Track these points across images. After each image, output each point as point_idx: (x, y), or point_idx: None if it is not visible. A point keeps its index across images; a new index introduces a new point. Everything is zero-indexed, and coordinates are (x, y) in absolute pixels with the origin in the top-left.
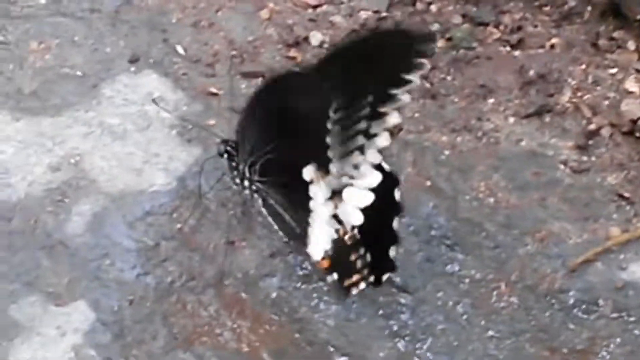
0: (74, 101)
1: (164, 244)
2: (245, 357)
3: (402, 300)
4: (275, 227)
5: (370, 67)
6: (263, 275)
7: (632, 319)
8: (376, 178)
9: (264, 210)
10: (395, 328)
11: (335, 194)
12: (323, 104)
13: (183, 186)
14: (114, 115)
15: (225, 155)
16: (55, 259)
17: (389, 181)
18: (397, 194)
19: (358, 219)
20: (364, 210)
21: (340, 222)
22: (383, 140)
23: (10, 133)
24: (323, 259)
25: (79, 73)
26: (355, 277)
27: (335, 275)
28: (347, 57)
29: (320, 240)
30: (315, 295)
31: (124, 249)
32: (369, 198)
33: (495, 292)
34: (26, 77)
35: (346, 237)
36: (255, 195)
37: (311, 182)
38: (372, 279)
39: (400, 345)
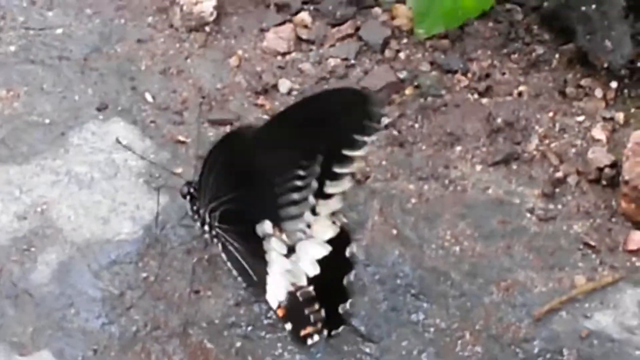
0: (41, 149)
1: (129, 293)
2: None
3: (367, 350)
4: (235, 272)
5: (322, 126)
6: (228, 325)
7: None
8: (330, 232)
9: (223, 256)
10: None
11: (290, 249)
12: (276, 162)
13: (149, 235)
14: (81, 164)
15: (188, 198)
16: (20, 308)
17: (343, 237)
18: (347, 251)
19: (314, 270)
20: (320, 264)
21: (295, 275)
22: (336, 202)
23: None
24: (279, 307)
25: (47, 121)
26: (309, 329)
27: (289, 325)
28: (299, 116)
29: (276, 291)
30: (279, 344)
31: (89, 298)
32: (325, 250)
33: (460, 341)
34: None
35: (299, 292)
36: (215, 240)
37: (264, 237)
38: (324, 332)
39: None
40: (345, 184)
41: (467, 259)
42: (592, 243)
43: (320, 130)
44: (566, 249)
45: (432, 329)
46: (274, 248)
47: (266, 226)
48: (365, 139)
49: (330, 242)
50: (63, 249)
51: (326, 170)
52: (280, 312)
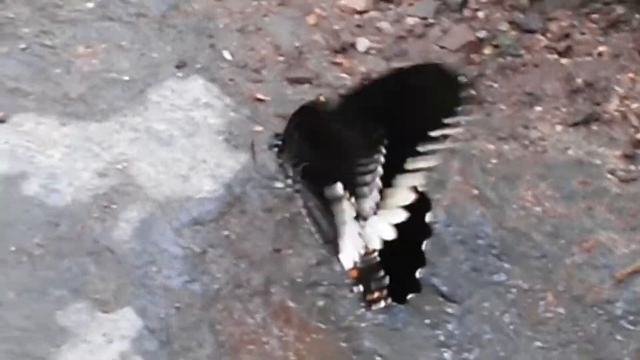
0: (121, 106)
1: (210, 251)
2: None
3: (449, 310)
4: (313, 229)
5: (412, 103)
6: (310, 284)
7: None
8: (408, 199)
9: (303, 211)
10: (441, 338)
11: (360, 215)
12: (352, 134)
13: (230, 193)
14: (160, 121)
15: (275, 149)
16: (102, 265)
17: (422, 203)
18: (428, 217)
19: (390, 235)
20: (398, 229)
21: (368, 239)
22: (416, 178)
23: (57, 138)
24: (352, 269)
25: (125, 78)
26: (376, 295)
27: (360, 287)
28: (390, 89)
29: (350, 252)
30: (362, 303)
31: (170, 255)
32: (401, 216)
33: (542, 303)
34: (73, 81)
35: (367, 257)
36: (297, 195)
37: (338, 198)
38: (390, 300)
39: (447, 355)
40: (428, 162)
41: (548, 219)
42: None
43: (402, 106)
44: None
45: (514, 290)
46: (345, 210)
47: (337, 188)
48: (451, 122)
49: (409, 207)
50: (144, 206)
51: (408, 147)
52: (352, 273)
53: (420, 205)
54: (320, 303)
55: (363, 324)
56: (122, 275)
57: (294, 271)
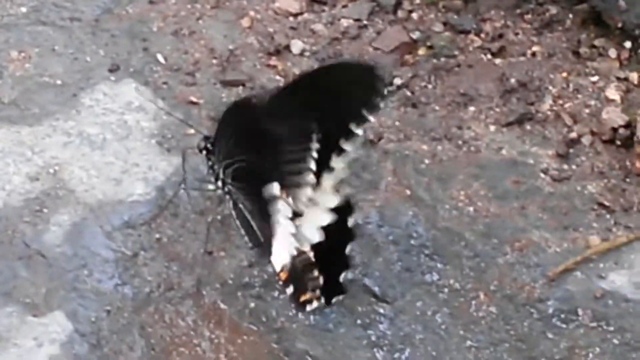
0: (53, 110)
1: (142, 254)
2: None
3: (381, 310)
4: (242, 231)
5: (327, 100)
6: (241, 285)
7: (611, 328)
8: (333, 201)
9: (233, 213)
10: (373, 338)
11: (296, 214)
12: (282, 131)
13: (162, 196)
14: (93, 125)
15: (204, 152)
16: (33, 269)
17: (348, 207)
18: (350, 221)
19: (316, 237)
20: (324, 231)
21: (299, 240)
22: (340, 173)
23: None
24: (281, 271)
25: (58, 82)
26: (308, 295)
27: (290, 289)
28: (306, 87)
29: (280, 254)
30: (293, 305)
31: (102, 259)
32: (328, 218)
33: (474, 302)
34: (6, 86)
35: (301, 258)
36: (227, 197)
37: (273, 198)
38: (322, 300)
39: (379, 355)
40: (349, 157)
41: (481, 219)
42: (607, 203)
43: (326, 103)
44: (580, 209)
45: (446, 290)
46: (280, 210)
47: (274, 188)
48: (369, 114)
49: (335, 211)
50: (75, 210)
51: (333, 144)
52: (282, 276)
53: (344, 209)
54: (252, 305)
55: (295, 325)
56: (53, 279)
57: (225, 273)
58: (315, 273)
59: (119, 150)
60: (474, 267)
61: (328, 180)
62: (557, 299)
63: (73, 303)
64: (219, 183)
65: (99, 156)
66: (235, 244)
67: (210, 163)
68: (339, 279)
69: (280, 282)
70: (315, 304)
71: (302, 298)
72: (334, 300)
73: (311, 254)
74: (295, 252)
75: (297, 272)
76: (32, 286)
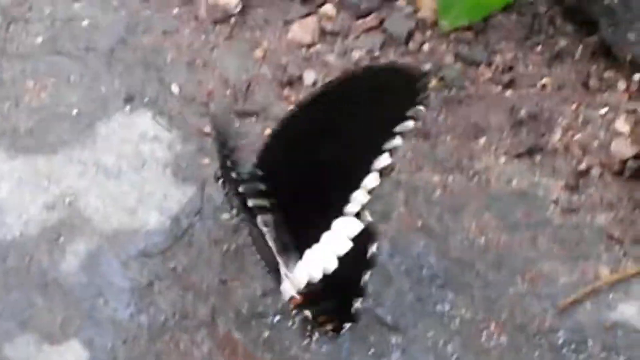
0: (69, 140)
1: (157, 283)
2: None
3: (393, 340)
4: (258, 256)
5: (363, 105)
6: (256, 314)
7: (620, 358)
8: (354, 228)
9: (250, 239)
10: None
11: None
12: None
13: (177, 225)
14: (109, 154)
15: (221, 181)
16: (49, 297)
17: (367, 235)
18: (370, 250)
19: (332, 265)
20: (340, 259)
21: (310, 269)
22: (372, 180)
23: (5, 171)
24: (292, 298)
25: (74, 112)
26: (322, 318)
27: (299, 316)
28: (340, 96)
29: (294, 280)
30: (308, 328)
31: (118, 288)
32: (346, 246)
33: (485, 332)
34: (22, 115)
35: (311, 287)
36: (242, 225)
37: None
38: (330, 327)
39: None
40: (372, 180)
41: (492, 249)
42: (616, 235)
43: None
44: (590, 240)
45: (457, 320)
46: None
47: (266, 220)
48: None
49: (354, 238)
50: (91, 239)
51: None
52: (295, 301)
53: (364, 237)
54: (266, 334)
55: (307, 355)
56: (69, 308)
57: (240, 302)
58: (325, 302)
59: (135, 180)
60: (485, 297)
61: (347, 206)
62: (567, 329)
63: (89, 331)
64: (234, 211)
65: (115, 186)
66: (250, 274)
67: (225, 191)
68: (351, 307)
69: (292, 308)
70: (329, 326)
71: (319, 319)
72: (345, 327)
73: (319, 284)
74: (306, 281)
75: (307, 300)
76: (48, 315)
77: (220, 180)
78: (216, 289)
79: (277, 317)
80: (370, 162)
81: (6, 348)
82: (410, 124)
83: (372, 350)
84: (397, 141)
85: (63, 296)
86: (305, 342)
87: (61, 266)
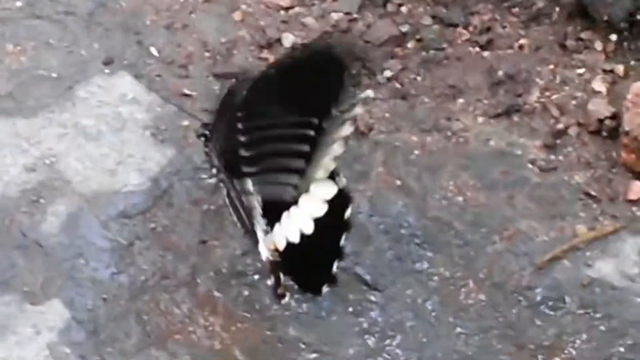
0: (49, 103)
1: (137, 243)
2: (218, 354)
3: (372, 298)
4: (234, 218)
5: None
6: (235, 274)
7: (597, 315)
8: (329, 192)
9: (226, 200)
10: (365, 325)
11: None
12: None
13: (156, 186)
14: (88, 117)
15: (202, 139)
16: (30, 258)
17: (341, 197)
18: (347, 212)
19: (309, 228)
20: (316, 222)
21: (285, 232)
22: (337, 148)
23: None
24: (268, 259)
25: (54, 75)
26: (280, 290)
27: (272, 279)
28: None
29: (264, 244)
30: (286, 293)
31: (98, 248)
32: (321, 209)
33: (463, 290)
34: (2, 79)
35: (281, 251)
36: (221, 185)
37: (249, 193)
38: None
39: (370, 342)
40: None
41: (470, 208)
42: (593, 193)
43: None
44: (567, 199)
45: (436, 278)
46: (256, 207)
47: (248, 184)
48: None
49: (330, 202)
50: (71, 200)
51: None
52: (269, 265)
53: (339, 200)
54: (246, 293)
55: (287, 313)
56: (50, 268)
57: (219, 262)
58: (292, 267)
59: (114, 142)
60: (463, 255)
61: (320, 171)
62: (545, 286)
63: (70, 291)
64: (214, 170)
65: (94, 148)
66: (229, 234)
67: (206, 149)
68: (330, 269)
69: (267, 271)
70: (286, 298)
71: (280, 290)
72: (323, 289)
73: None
74: (272, 249)
75: (279, 264)
76: (29, 275)
77: (203, 139)
78: (196, 249)
79: (257, 276)
80: (331, 131)
81: None
82: (358, 110)
83: (351, 308)
84: (357, 110)
85: (44, 257)
86: (285, 300)
87: (42, 227)
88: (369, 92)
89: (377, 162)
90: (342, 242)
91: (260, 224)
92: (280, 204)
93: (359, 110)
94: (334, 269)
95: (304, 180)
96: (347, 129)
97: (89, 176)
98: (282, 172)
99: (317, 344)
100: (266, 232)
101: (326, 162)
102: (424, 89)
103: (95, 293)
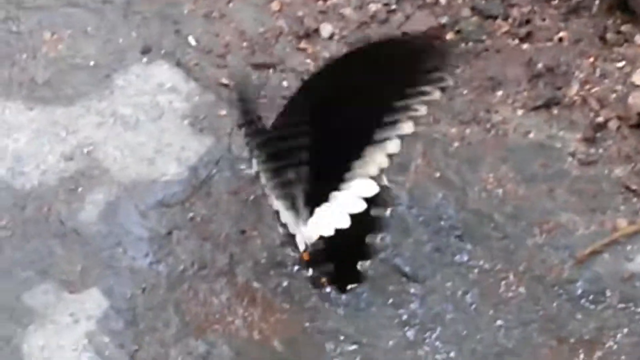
0: (86, 91)
1: (176, 233)
2: (257, 345)
3: (412, 290)
4: (273, 209)
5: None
6: (274, 264)
7: (638, 309)
8: (372, 190)
9: (266, 190)
10: (404, 317)
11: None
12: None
13: (195, 176)
14: (126, 105)
15: (244, 129)
16: (68, 247)
17: (380, 198)
18: (381, 211)
19: (344, 223)
20: (352, 219)
21: (323, 225)
22: (394, 146)
23: (23, 122)
24: (305, 251)
25: (91, 63)
26: (322, 279)
27: (310, 271)
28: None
29: (304, 236)
30: (310, 285)
31: (136, 237)
32: (359, 206)
33: (503, 282)
34: (39, 67)
35: (322, 243)
36: (260, 176)
37: (290, 183)
38: (334, 287)
39: (410, 334)
40: (394, 146)
41: (510, 201)
42: (634, 187)
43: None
44: (608, 192)
45: (475, 270)
46: (297, 196)
47: (289, 174)
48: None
49: (368, 200)
50: (110, 189)
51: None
52: (305, 256)
53: (378, 200)
54: (285, 283)
55: (327, 304)
56: (89, 257)
57: (258, 252)
58: (331, 260)
59: (152, 131)
60: (503, 248)
61: (371, 167)
62: (585, 280)
63: (109, 280)
64: (254, 161)
65: (132, 136)
66: (268, 224)
67: (247, 139)
68: (356, 267)
69: (303, 263)
70: (328, 288)
71: (318, 281)
72: (348, 287)
73: (322, 242)
74: (317, 236)
75: (317, 256)
76: (68, 264)
77: (243, 129)
78: (235, 239)
79: (296, 267)
80: (390, 128)
81: (26, 296)
82: (437, 94)
83: (391, 300)
84: (422, 109)
85: (82, 245)
86: (324, 291)
87: (80, 216)
88: (437, 94)
89: (416, 154)
90: (372, 241)
91: (300, 214)
92: (321, 196)
93: (423, 110)
94: (359, 268)
95: (350, 173)
96: (408, 128)
97: (127, 165)
98: (328, 166)
99: (357, 336)
100: (305, 223)
101: (379, 159)
102: (463, 80)
103: (134, 282)
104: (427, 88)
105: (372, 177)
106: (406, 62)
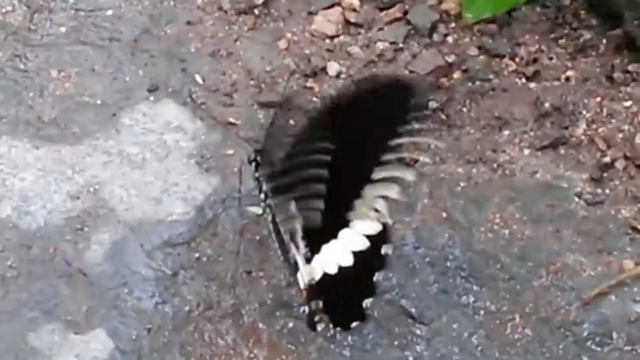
0: (93, 129)
1: (182, 273)
2: None
3: (417, 332)
4: (276, 245)
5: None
6: (280, 305)
7: None
8: (373, 227)
9: (270, 227)
10: (410, 359)
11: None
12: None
13: (201, 215)
14: (133, 144)
15: (253, 164)
16: (74, 287)
17: (382, 235)
18: (385, 249)
19: (348, 261)
20: (355, 256)
21: (325, 263)
22: (394, 192)
23: (30, 161)
24: (305, 289)
25: (98, 102)
26: (318, 317)
27: (307, 308)
28: (348, 108)
29: (304, 273)
30: (307, 323)
31: (142, 277)
32: (362, 244)
33: (509, 324)
34: (46, 105)
35: (322, 281)
36: (267, 210)
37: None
38: (335, 325)
39: None
40: (392, 172)
41: (516, 242)
42: None
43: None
44: (614, 233)
45: (482, 312)
46: (298, 230)
47: (291, 206)
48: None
49: (370, 237)
50: (116, 228)
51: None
52: (305, 294)
53: (380, 237)
54: (291, 324)
55: (333, 346)
56: (94, 297)
57: (264, 293)
58: (330, 298)
59: (159, 170)
60: (509, 289)
61: (370, 190)
62: (592, 322)
63: (114, 321)
64: (262, 196)
65: (139, 175)
66: (274, 264)
67: (256, 175)
68: (361, 305)
69: (304, 299)
70: (321, 326)
71: (317, 318)
72: (352, 325)
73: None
74: (319, 274)
75: (317, 294)
76: (73, 304)
77: (254, 164)
78: (241, 280)
79: (302, 308)
80: (388, 168)
81: (31, 337)
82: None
83: (397, 341)
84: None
85: (88, 286)
86: (331, 332)
87: (86, 256)
88: (441, 144)
89: (422, 193)
90: (376, 279)
91: (300, 250)
92: (322, 234)
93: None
94: (365, 306)
95: (350, 212)
96: (409, 174)
97: (133, 204)
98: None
99: None
100: (306, 259)
101: (377, 200)
102: (470, 120)
103: (139, 323)
104: (414, 125)
105: (373, 216)
106: (394, 101)
